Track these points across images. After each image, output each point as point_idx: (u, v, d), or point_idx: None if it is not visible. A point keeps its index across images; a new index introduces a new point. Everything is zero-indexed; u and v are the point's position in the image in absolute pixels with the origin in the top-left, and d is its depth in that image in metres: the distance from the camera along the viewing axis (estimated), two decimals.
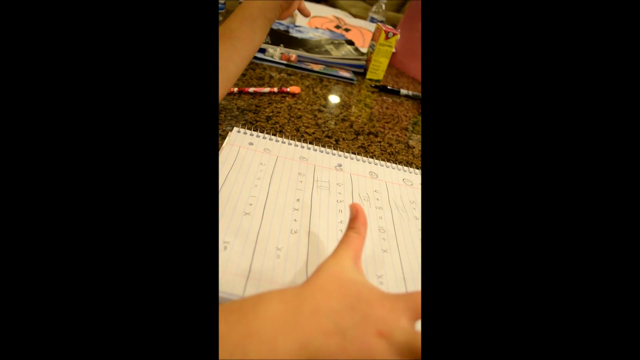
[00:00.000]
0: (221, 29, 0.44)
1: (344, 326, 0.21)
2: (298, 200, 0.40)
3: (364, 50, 0.93)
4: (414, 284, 0.34)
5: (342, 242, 0.28)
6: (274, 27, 0.94)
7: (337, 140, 0.55)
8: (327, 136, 0.56)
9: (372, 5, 1.47)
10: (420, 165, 0.54)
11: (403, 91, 0.82)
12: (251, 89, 0.62)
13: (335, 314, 0.22)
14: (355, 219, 0.29)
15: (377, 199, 0.44)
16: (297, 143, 0.50)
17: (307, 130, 0.56)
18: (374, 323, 0.21)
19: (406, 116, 0.72)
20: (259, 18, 0.45)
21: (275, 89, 0.65)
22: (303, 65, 0.79)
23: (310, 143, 0.51)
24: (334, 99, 0.71)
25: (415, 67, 0.97)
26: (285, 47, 0.81)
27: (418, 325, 0.23)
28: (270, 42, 0.82)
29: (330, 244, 0.36)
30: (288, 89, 0.65)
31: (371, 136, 0.59)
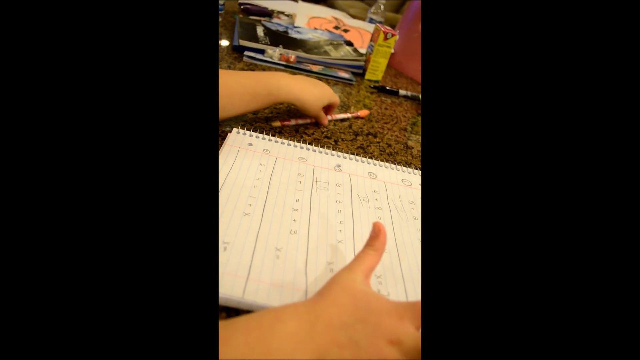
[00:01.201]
0: (248, 83, 0.47)
1: (357, 338, 0.23)
2: (297, 200, 0.40)
3: (363, 51, 0.94)
4: (413, 284, 0.34)
5: (358, 257, 0.29)
6: (273, 28, 0.94)
7: (336, 141, 0.55)
8: (326, 137, 0.56)
9: (370, 5, 1.47)
10: (419, 165, 0.55)
11: (402, 92, 0.82)
12: (332, 117, 0.61)
13: (348, 327, 0.23)
14: (376, 238, 0.30)
15: (376, 200, 0.44)
16: (296, 144, 0.50)
17: (306, 131, 0.56)
18: (385, 333, 0.23)
19: (405, 117, 0.72)
20: (262, 100, 0.49)
21: (349, 115, 0.63)
22: (302, 66, 0.79)
23: (310, 144, 0.52)
24: None
25: (414, 68, 0.97)
26: (284, 48, 0.81)
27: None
28: (269, 43, 0.82)
29: (329, 244, 0.36)
30: (358, 113, 0.64)
31: (370, 137, 0.60)
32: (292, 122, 0.56)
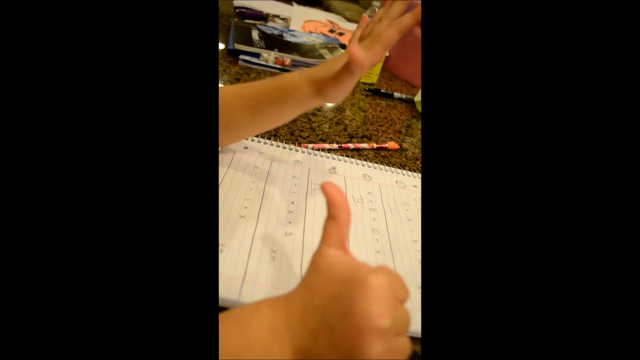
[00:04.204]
0: (248, 93, 0.37)
1: (330, 321, 0.20)
2: (292, 202, 0.41)
3: None
4: (407, 283, 0.35)
5: (322, 234, 0.25)
6: (268, 31, 0.95)
7: (331, 143, 0.56)
8: (322, 139, 0.56)
9: (366, 8, 1.48)
10: (413, 167, 0.55)
11: (396, 94, 0.83)
12: (351, 146, 0.55)
13: (320, 309, 0.21)
14: (331, 206, 0.25)
15: (371, 201, 0.44)
16: (292, 147, 0.51)
17: (302, 133, 0.56)
18: (362, 314, 0.20)
19: (399, 119, 0.73)
20: (291, 106, 0.37)
21: (375, 145, 0.58)
22: (297, 70, 0.80)
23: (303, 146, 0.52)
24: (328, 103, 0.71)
25: (408, 70, 0.98)
26: (279, 51, 0.82)
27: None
28: (264, 46, 0.82)
29: None
30: (386, 145, 0.59)
31: (365, 139, 0.60)
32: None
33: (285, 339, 0.21)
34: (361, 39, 0.38)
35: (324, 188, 0.25)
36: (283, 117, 0.39)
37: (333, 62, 0.35)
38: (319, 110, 0.66)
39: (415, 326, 0.31)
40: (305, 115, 0.63)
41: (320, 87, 0.34)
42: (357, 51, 0.27)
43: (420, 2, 0.28)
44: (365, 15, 0.37)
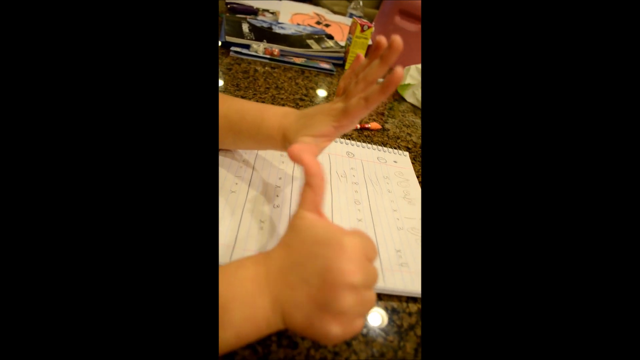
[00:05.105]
0: (234, 118, 0.39)
1: (307, 276, 0.23)
2: (280, 178, 0.43)
3: (343, 43, 0.97)
4: (386, 247, 0.38)
5: (300, 199, 0.27)
6: (258, 24, 0.97)
7: None
8: None
9: (351, 1, 1.50)
10: (394, 145, 0.58)
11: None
12: None
13: (297, 266, 0.23)
14: (307, 174, 0.27)
15: (354, 176, 0.47)
16: None
17: None
18: (337, 271, 0.22)
19: (382, 102, 0.76)
20: (266, 147, 0.40)
21: (359, 126, 0.61)
22: (286, 59, 0.83)
23: None
24: (315, 89, 0.74)
25: None
26: (268, 42, 0.84)
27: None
28: (254, 38, 0.85)
29: None
30: (369, 125, 0.62)
31: None
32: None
33: (266, 291, 0.23)
34: (345, 89, 0.38)
35: (298, 159, 0.27)
36: (261, 149, 0.43)
37: (310, 123, 0.35)
38: (306, 95, 0.69)
39: (393, 285, 0.34)
40: (294, 100, 0.65)
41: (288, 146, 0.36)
42: (313, 164, 0.28)
43: (398, 71, 0.29)
44: (361, 55, 0.36)
